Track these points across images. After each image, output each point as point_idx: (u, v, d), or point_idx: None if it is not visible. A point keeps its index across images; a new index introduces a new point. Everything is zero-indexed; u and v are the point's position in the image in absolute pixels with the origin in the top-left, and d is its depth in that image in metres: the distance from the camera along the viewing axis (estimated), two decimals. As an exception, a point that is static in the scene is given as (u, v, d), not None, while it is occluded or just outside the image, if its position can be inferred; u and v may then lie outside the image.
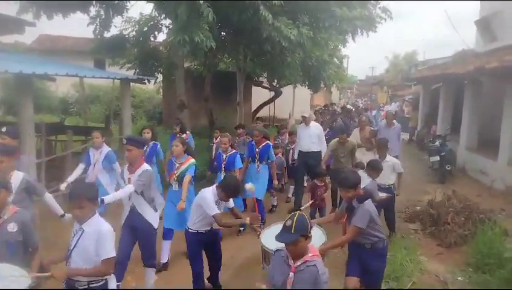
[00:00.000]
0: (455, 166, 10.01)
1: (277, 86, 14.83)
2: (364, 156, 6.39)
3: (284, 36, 6.96)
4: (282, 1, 6.88)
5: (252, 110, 15.86)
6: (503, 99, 8.53)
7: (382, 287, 4.12)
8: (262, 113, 16.86)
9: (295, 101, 18.77)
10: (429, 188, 8.52)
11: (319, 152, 6.75)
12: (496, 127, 8.93)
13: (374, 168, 4.82)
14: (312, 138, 6.70)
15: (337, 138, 6.40)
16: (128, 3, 8.97)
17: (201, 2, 6.04)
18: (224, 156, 5.77)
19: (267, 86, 15.48)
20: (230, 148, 5.85)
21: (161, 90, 16.22)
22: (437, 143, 9.69)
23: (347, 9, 7.70)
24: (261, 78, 14.82)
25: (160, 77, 12.12)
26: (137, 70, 10.74)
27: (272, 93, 16.12)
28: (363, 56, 78.74)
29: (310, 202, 5.45)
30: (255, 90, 16.05)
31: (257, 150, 6.15)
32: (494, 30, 12.36)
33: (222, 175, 5.54)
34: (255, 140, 6.23)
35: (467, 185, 8.76)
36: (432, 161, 9.49)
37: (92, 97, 17.32)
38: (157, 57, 11.04)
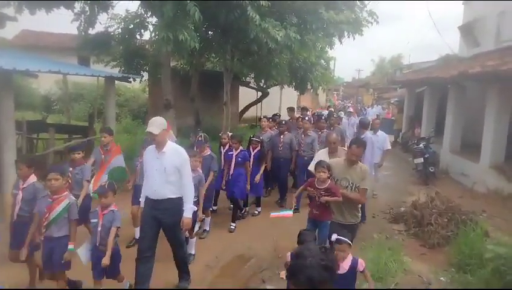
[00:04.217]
0: (438, 168, 10.18)
1: (264, 86, 14.85)
2: None
3: (271, 37, 6.95)
4: (270, 1, 6.87)
5: (239, 110, 15.84)
6: (485, 103, 8.72)
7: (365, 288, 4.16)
8: (249, 113, 16.86)
9: (282, 102, 18.84)
10: (413, 189, 8.64)
11: (179, 199, 3.90)
12: (478, 131, 9.12)
13: None
14: (168, 174, 3.79)
15: (344, 157, 4.19)
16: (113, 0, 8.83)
17: (188, 0, 5.99)
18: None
19: (254, 86, 15.48)
20: None
21: (147, 89, 16.06)
22: (421, 145, 9.85)
23: (334, 12, 7.74)
24: (248, 79, 14.82)
25: (146, 76, 11.98)
26: (123, 69, 10.60)
27: (259, 94, 16.14)
28: (350, 58, 79.61)
29: (292, 209, 4.59)
30: (242, 90, 16.04)
31: (47, 216, 3.51)
32: (477, 36, 12.66)
33: None
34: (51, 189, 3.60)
35: (450, 187, 8.92)
36: (416, 163, 9.64)
37: (75, 95, 17.00)
38: (143, 55, 10.91)
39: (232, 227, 6.00)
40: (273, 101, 17.80)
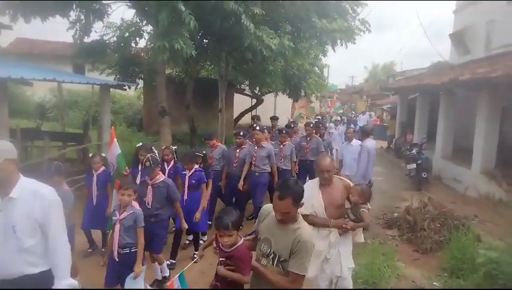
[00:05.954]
0: (431, 174, 10.29)
1: (259, 93, 14.95)
2: None
3: (265, 45, 7.04)
4: (264, 9, 6.97)
5: (234, 117, 15.91)
6: (476, 109, 8.86)
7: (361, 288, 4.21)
8: (244, 120, 16.94)
9: (276, 109, 18.95)
10: (406, 195, 8.72)
11: (44, 275, 2.36)
12: (469, 136, 9.25)
13: None
14: (19, 236, 2.28)
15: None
16: (109, 8, 8.89)
17: (183, 9, 6.05)
18: None
19: (249, 93, 15.58)
20: None
21: (142, 96, 16.10)
22: (414, 151, 9.95)
23: (326, 21, 7.86)
24: (243, 86, 14.92)
25: (141, 83, 12.02)
26: (118, 76, 10.64)
27: (254, 101, 16.23)
28: (343, 66, 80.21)
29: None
30: (237, 97, 16.13)
31: None
32: (467, 43, 12.90)
33: None
34: None
35: (442, 192, 9.02)
36: (409, 169, 9.74)
37: (70, 103, 16.97)
38: (138, 63, 10.96)
39: (195, 256, 4.64)
40: (268, 108, 17.90)
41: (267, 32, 7.10)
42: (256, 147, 6.20)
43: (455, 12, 14.91)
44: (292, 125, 8.42)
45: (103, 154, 5.23)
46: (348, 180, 3.68)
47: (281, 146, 6.75)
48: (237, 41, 7.52)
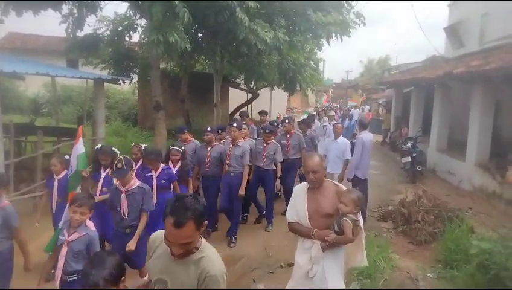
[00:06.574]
0: (425, 167, 10.35)
1: (254, 88, 14.91)
2: None
3: (260, 38, 7.01)
4: (258, 2, 6.93)
5: (229, 112, 15.88)
6: (470, 102, 8.90)
7: (355, 286, 4.24)
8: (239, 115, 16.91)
9: (272, 103, 18.94)
10: (401, 187, 8.78)
11: None
12: (463, 130, 9.30)
13: None
14: None
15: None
16: (102, 2, 8.80)
17: (177, 2, 6.01)
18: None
19: (244, 88, 15.54)
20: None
21: (136, 91, 16.01)
22: (408, 145, 10.00)
23: (321, 14, 7.84)
24: (238, 80, 14.86)
25: (135, 78, 11.95)
26: (112, 71, 10.57)
27: (249, 95, 16.20)
28: (339, 60, 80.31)
29: None
30: (232, 91, 16.08)
31: None
32: (461, 37, 12.92)
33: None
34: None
35: (437, 185, 9.08)
36: (404, 162, 9.80)
37: (64, 98, 16.83)
38: (133, 57, 10.90)
39: None
40: (263, 103, 17.87)
41: (262, 26, 7.08)
42: (231, 145, 5.68)
43: (450, 6, 14.90)
44: (275, 123, 7.78)
45: (66, 157, 4.42)
46: (343, 186, 3.13)
47: (265, 145, 6.10)
48: (232, 35, 7.49)
